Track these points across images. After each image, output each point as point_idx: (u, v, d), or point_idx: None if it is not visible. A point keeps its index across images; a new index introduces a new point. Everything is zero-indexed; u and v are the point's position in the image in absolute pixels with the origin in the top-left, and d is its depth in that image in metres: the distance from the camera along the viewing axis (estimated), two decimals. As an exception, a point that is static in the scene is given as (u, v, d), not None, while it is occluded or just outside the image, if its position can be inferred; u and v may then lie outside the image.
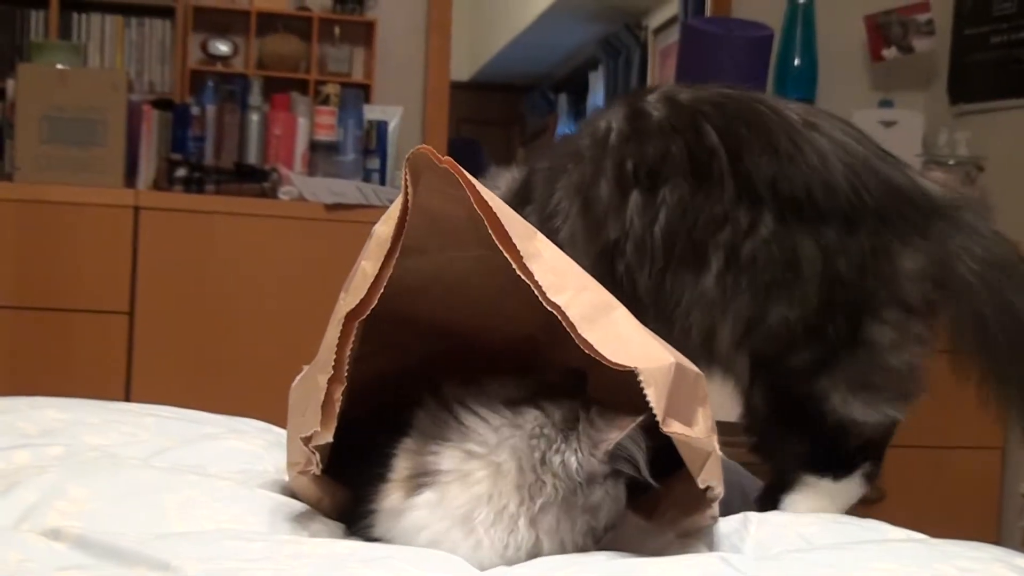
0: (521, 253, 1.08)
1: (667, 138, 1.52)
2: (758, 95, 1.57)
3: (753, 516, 1.30)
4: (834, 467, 1.54)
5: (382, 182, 3.93)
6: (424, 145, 1.10)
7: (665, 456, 1.14)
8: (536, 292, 1.08)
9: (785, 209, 1.48)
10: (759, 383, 1.55)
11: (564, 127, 7.76)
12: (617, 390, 1.09)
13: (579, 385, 1.20)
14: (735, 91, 1.57)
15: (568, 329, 1.07)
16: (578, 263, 1.54)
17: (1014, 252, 1.55)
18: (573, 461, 1.11)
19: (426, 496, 1.11)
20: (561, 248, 1.54)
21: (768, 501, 1.56)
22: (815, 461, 1.55)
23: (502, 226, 1.08)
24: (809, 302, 1.49)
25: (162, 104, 3.86)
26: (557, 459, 1.11)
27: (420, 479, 1.12)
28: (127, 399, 3.25)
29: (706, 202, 1.50)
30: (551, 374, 1.25)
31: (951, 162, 4.08)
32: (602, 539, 1.15)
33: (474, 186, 1.09)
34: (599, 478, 1.12)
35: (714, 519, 1.22)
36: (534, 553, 1.11)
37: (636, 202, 1.52)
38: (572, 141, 1.65)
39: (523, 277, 1.08)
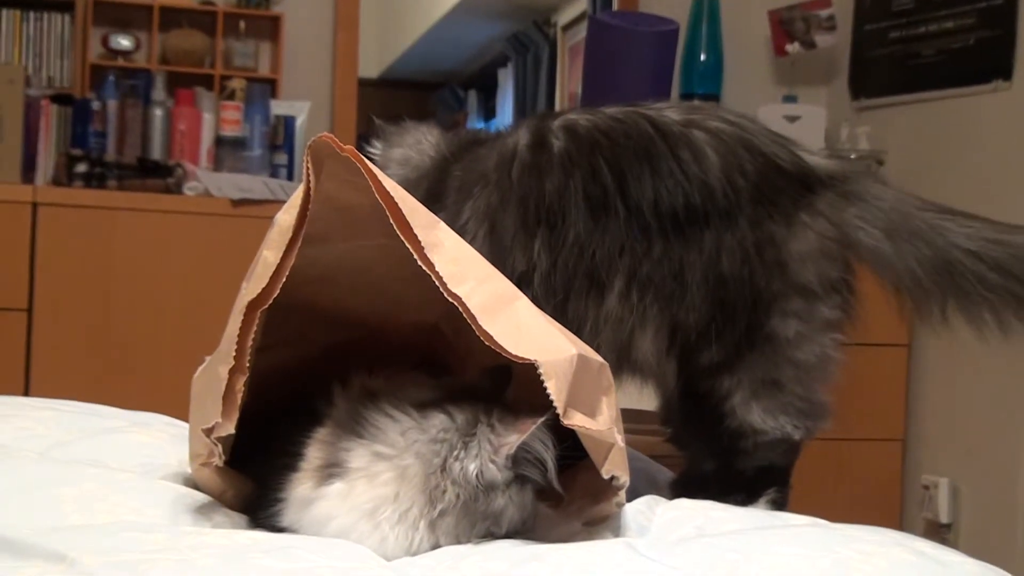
0: (422, 243, 1.07)
1: (565, 173, 1.53)
2: (644, 110, 1.57)
3: (659, 500, 1.30)
4: (737, 491, 1.53)
5: (289, 177, 3.90)
6: (326, 133, 1.09)
7: (574, 444, 1.14)
8: (437, 283, 1.08)
9: (668, 227, 1.50)
10: (678, 381, 1.57)
11: (474, 124, 7.75)
12: (537, 383, 1.08)
13: (500, 385, 1.18)
14: (624, 111, 1.57)
15: (469, 320, 1.07)
16: None
17: (911, 202, 1.56)
18: (472, 468, 1.11)
19: (336, 487, 1.11)
20: None
21: (681, 488, 1.56)
22: (719, 484, 1.54)
23: (403, 215, 1.08)
24: (699, 307, 1.50)
25: (61, 99, 3.78)
26: (457, 466, 1.11)
27: (331, 469, 1.12)
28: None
29: (604, 236, 1.51)
30: (472, 373, 1.24)
31: (852, 156, 4.15)
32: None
33: (375, 175, 1.08)
34: (500, 485, 1.12)
35: (620, 506, 1.22)
36: (435, 549, 1.11)
37: (540, 238, 1.53)
38: (480, 160, 1.64)
39: (424, 267, 1.07)
